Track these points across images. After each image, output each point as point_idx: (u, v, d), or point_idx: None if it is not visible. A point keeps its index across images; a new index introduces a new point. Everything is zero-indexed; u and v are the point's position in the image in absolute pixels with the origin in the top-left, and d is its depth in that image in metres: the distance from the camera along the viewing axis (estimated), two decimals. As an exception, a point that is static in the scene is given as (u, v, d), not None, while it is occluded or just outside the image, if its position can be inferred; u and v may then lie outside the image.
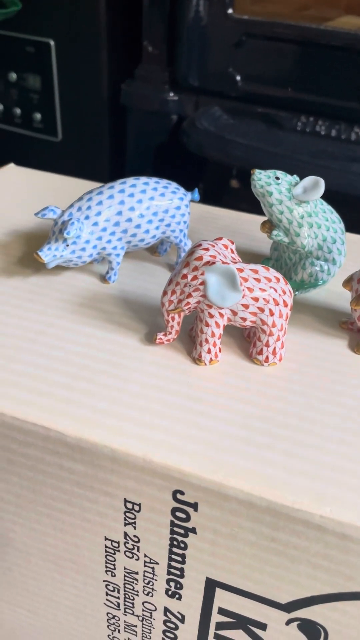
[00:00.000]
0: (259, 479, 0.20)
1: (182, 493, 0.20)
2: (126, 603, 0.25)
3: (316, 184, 0.26)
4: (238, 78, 0.63)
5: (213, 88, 0.65)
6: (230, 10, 0.61)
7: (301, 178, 0.27)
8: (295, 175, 0.27)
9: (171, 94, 0.67)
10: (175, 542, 0.22)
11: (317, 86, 0.61)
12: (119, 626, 0.26)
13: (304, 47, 0.60)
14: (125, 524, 0.22)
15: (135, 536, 0.22)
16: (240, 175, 0.68)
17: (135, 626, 0.26)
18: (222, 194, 0.73)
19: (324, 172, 0.58)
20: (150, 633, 0.26)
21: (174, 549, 0.22)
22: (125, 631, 0.26)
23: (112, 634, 0.27)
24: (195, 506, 0.20)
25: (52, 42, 0.68)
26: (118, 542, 0.23)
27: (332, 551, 0.19)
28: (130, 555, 0.23)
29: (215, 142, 0.63)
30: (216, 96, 0.65)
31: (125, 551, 0.23)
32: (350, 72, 0.59)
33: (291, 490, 0.19)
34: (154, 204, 0.27)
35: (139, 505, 0.21)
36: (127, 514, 0.22)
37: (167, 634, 0.25)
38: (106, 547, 0.23)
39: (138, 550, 0.23)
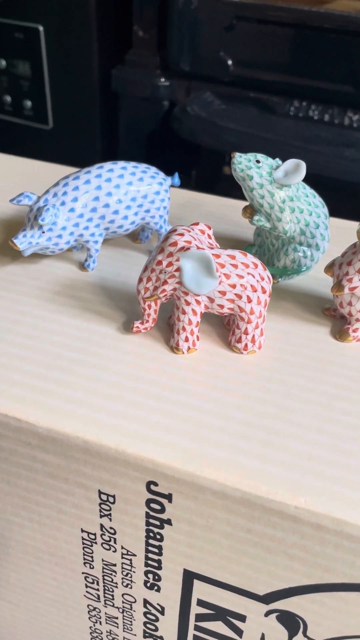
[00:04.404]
0: (233, 469, 0.19)
1: (155, 484, 0.20)
2: (106, 595, 0.25)
3: (297, 167, 0.25)
4: (230, 62, 0.62)
5: (204, 73, 0.64)
6: (220, -7, 0.59)
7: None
8: (277, 159, 0.27)
9: (162, 80, 0.66)
10: (151, 534, 0.21)
11: (310, 70, 0.60)
12: (100, 618, 0.26)
13: (296, 30, 0.59)
14: (101, 516, 0.22)
15: (111, 528, 0.22)
16: (233, 161, 0.67)
17: (116, 618, 0.26)
18: (216, 181, 0.73)
19: (317, 158, 0.57)
20: (131, 625, 0.25)
21: (151, 541, 0.22)
22: (106, 623, 0.26)
23: (94, 625, 0.27)
24: (169, 497, 0.20)
25: (40, 28, 0.67)
26: (94, 534, 0.22)
27: (308, 542, 0.19)
28: (107, 547, 0.23)
29: (207, 128, 0.62)
30: (208, 81, 0.64)
31: (102, 543, 0.23)
32: (343, 55, 0.58)
33: (266, 481, 0.19)
34: (132, 189, 0.26)
35: (114, 496, 0.21)
36: (102, 506, 0.21)
37: (148, 625, 0.25)
38: (83, 539, 0.23)
39: (115, 542, 0.22)
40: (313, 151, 0.57)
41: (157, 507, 0.20)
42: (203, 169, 0.72)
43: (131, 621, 0.25)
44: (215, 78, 0.63)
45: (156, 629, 0.25)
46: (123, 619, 0.25)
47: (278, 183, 0.26)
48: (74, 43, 0.67)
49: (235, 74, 0.62)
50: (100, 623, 0.26)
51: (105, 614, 0.26)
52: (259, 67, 0.61)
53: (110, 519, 0.22)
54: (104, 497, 0.21)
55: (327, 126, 0.59)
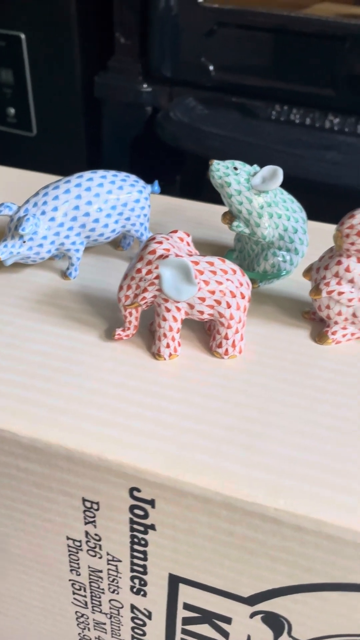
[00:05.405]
0: (214, 473, 0.19)
1: (138, 490, 0.20)
2: (93, 601, 0.25)
3: (274, 173, 0.26)
4: (211, 68, 0.62)
5: (186, 78, 0.64)
6: (200, -1, 0.60)
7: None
8: (255, 165, 0.27)
9: (145, 86, 0.66)
10: (135, 540, 0.21)
11: (290, 74, 0.60)
12: (89, 624, 0.26)
13: (276, 34, 0.60)
14: (86, 523, 0.22)
15: (96, 535, 0.22)
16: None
17: (104, 624, 0.26)
18: (201, 186, 0.73)
19: (299, 161, 0.58)
20: (120, 630, 0.26)
21: (135, 546, 0.22)
22: (95, 629, 0.26)
23: (83, 632, 0.27)
24: (152, 503, 0.20)
25: (22, 36, 0.67)
26: (80, 541, 0.23)
27: (289, 544, 0.19)
28: (93, 553, 0.23)
29: (190, 133, 0.63)
30: (190, 86, 0.64)
31: (87, 550, 0.23)
32: (323, 59, 0.58)
33: (246, 484, 0.19)
34: (112, 197, 0.27)
35: (97, 503, 0.21)
36: (87, 513, 0.22)
37: (136, 630, 0.25)
38: (69, 546, 0.23)
39: (100, 549, 0.22)
40: (295, 154, 0.58)
41: (141, 512, 0.21)
42: (187, 174, 0.72)
43: (119, 626, 0.25)
44: (197, 83, 0.64)
45: (144, 634, 0.25)
46: (111, 624, 0.25)
47: (256, 189, 0.26)
48: (56, 50, 0.67)
49: (217, 79, 0.63)
50: (89, 629, 0.26)
51: (94, 620, 0.26)
52: (240, 72, 0.62)
53: (95, 526, 0.22)
54: (88, 504, 0.21)
55: (308, 129, 0.60)
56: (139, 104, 0.67)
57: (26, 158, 0.74)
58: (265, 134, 0.61)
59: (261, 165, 0.27)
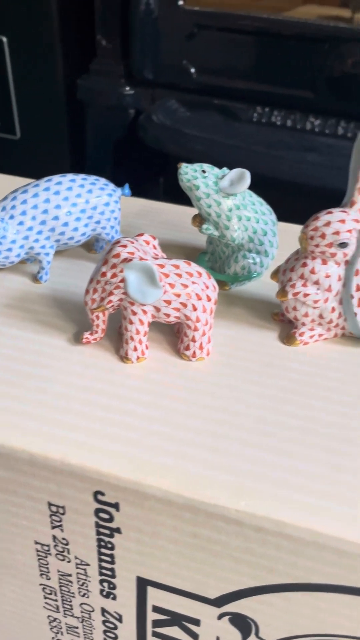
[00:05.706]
0: (177, 475, 0.19)
1: (102, 494, 0.20)
2: (64, 605, 0.25)
3: (242, 176, 0.26)
4: (192, 70, 0.63)
5: (168, 81, 0.64)
6: (180, 2, 0.60)
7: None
8: (224, 168, 0.27)
9: (127, 88, 0.66)
10: (102, 543, 0.22)
11: (272, 76, 0.60)
12: (61, 628, 0.26)
13: (257, 37, 0.60)
14: (53, 527, 0.22)
15: (63, 539, 0.22)
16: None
17: (77, 627, 0.26)
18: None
19: (280, 162, 0.58)
20: (92, 634, 0.26)
21: (102, 550, 0.22)
22: (67, 633, 0.26)
23: (56, 636, 0.27)
24: (116, 506, 0.20)
25: (4, 39, 0.67)
26: (48, 546, 0.23)
27: (251, 545, 0.19)
28: (61, 557, 0.23)
29: (172, 136, 0.63)
30: (172, 89, 0.64)
31: (56, 554, 0.23)
32: (304, 61, 0.59)
33: (209, 486, 0.19)
34: (80, 201, 0.27)
35: (63, 507, 0.21)
36: (53, 517, 0.22)
37: (108, 633, 0.25)
38: (37, 550, 0.23)
39: (68, 553, 0.22)
40: (276, 156, 0.58)
41: (106, 516, 0.21)
42: (170, 176, 0.73)
43: (91, 630, 0.25)
44: (178, 86, 0.64)
45: (116, 637, 0.25)
46: (83, 628, 0.25)
47: (224, 192, 0.26)
48: (38, 53, 0.67)
49: (199, 81, 0.63)
50: (62, 633, 0.26)
51: (66, 624, 0.26)
52: (221, 74, 0.62)
53: (62, 530, 0.22)
54: (53, 508, 0.21)
55: (289, 131, 0.60)
56: (122, 107, 0.67)
57: (10, 161, 0.74)
58: (246, 135, 0.61)
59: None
